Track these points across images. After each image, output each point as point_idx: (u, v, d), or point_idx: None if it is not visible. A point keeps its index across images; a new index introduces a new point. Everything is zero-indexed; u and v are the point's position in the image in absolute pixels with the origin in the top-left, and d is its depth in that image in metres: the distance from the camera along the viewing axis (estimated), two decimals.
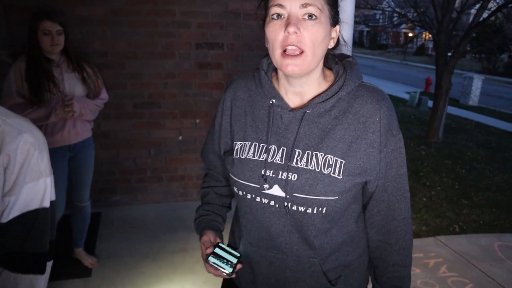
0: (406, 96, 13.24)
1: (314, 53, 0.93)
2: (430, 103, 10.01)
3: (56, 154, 2.40)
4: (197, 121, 3.75)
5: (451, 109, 10.85)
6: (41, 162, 0.94)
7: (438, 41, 7.44)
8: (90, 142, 2.67)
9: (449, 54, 7.57)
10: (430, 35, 8.49)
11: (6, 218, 0.90)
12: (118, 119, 3.57)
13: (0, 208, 0.89)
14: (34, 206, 0.93)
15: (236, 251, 1.12)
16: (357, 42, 40.92)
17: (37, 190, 0.94)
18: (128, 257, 2.97)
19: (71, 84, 2.44)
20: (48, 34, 2.31)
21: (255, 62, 1.13)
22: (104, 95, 2.66)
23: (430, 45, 31.43)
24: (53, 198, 0.99)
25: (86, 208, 2.79)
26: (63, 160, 2.53)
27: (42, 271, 0.98)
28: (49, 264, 1.02)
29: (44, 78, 2.33)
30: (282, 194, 0.99)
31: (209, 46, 3.61)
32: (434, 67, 8.10)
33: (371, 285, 1.21)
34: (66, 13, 3.07)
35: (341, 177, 0.97)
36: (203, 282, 2.67)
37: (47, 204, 0.96)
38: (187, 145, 3.77)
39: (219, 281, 1.32)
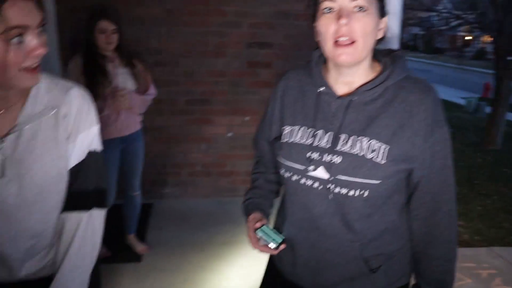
0: (462, 102, 12.67)
1: (365, 43, 0.98)
2: (488, 109, 9.53)
3: (109, 146, 2.55)
4: (246, 118, 3.82)
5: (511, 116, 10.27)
6: (91, 112, 1.08)
7: (498, 43, 7.08)
8: (140, 134, 2.84)
9: (510, 58, 7.19)
10: (489, 38, 8.10)
11: (73, 163, 1.06)
12: (171, 114, 3.72)
13: (64, 155, 1.03)
14: (91, 149, 1.09)
15: (281, 235, 1.16)
16: (411, 45, 39.63)
17: (91, 137, 1.08)
18: (177, 246, 3.09)
19: (123, 79, 2.61)
20: (104, 32, 2.49)
21: (304, 62, 1.20)
22: (152, 90, 2.81)
23: (490, 48, 29.87)
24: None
25: (137, 197, 2.96)
26: (116, 151, 2.70)
27: (106, 206, 1.15)
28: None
29: (99, 73, 2.51)
30: (326, 175, 1.03)
31: (260, 46, 3.68)
32: (492, 71, 7.72)
33: (413, 281, 1.21)
34: (123, 13, 3.25)
35: (384, 162, 1.00)
36: (247, 274, 2.72)
37: (99, 148, 1.12)
38: (236, 142, 3.85)
39: (262, 271, 1.36)
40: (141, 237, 3.16)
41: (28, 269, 1.09)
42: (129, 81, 2.63)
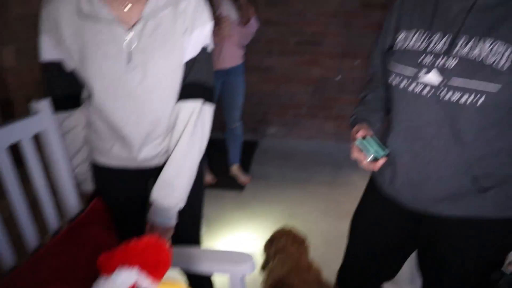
0: None
1: None
2: None
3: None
4: (357, 62, 3.66)
5: None
6: (206, 10, 1.17)
7: None
8: (241, 68, 2.94)
9: None
10: None
11: (188, 57, 1.17)
12: (280, 55, 3.73)
13: (181, 47, 1.14)
14: (204, 45, 1.18)
15: (385, 148, 1.10)
16: None
17: (205, 33, 1.17)
18: (278, 181, 3.20)
19: (227, 9, 2.68)
20: None
21: None
22: (254, 23, 2.83)
23: None
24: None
25: (238, 128, 3.09)
26: (217, 83, 2.82)
27: (214, 102, 1.25)
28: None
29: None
30: (438, 80, 0.98)
31: None
32: None
33: None
34: None
35: (507, 67, 0.90)
36: (346, 213, 2.70)
37: (211, 46, 1.22)
38: (345, 86, 3.74)
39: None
40: (245, 170, 3.33)
41: (145, 153, 1.24)
42: (232, 12, 2.71)
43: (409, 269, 1.75)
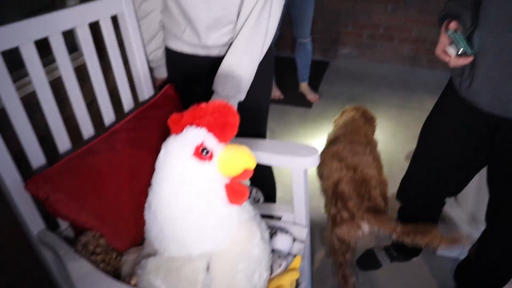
0: None
1: None
2: None
3: None
4: None
5: None
6: None
7: None
8: None
9: None
10: None
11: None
12: None
13: None
14: None
15: (474, 48, 1.06)
16: None
17: None
18: (347, 100, 3.16)
19: None
20: None
21: None
22: None
23: None
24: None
25: (307, 44, 3.01)
26: None
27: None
28: None
29: None
30: None
31: None
32: None
33: None
34: None
35: None
36: (414, 137, 2.64)
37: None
38: (427, 5, 3.44)
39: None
40: (314, 88, 3.32)
41: (213, 40, 1.28)
42: None
43: (473, 189, 1.72)
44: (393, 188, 1.56)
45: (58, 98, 1.11)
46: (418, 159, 1.43)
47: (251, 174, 0.86)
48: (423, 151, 1.40)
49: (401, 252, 1.72)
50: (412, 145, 1.44)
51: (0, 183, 0.99)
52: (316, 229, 1.98)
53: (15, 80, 1.21)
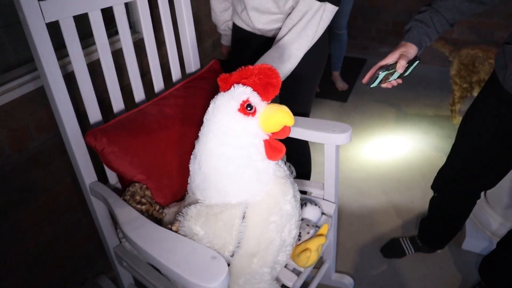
0: None
1: None
2: None
3: None
4: None
5: None
6: None
7: None
8: None
9: None
10: None
11: None
12: None
13: None
14: None
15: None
16: None
17: None
18: (381, 96, 3.18)
19: None
20: None
21: None
22: None
23: None
24: None
25: (343, 35, 3.07)
26: None
27: (338, 5, 1.29)
28: None
29: None
30: None
31: None
32: None
33: None
34: None
35: None
36: (448, 136, 2.65)
37: None
38: None
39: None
40: (347, 81, 3.37)
41: (262, 24, 1.38)
42: None
43: (508, 183, 1.72)
44: (429, 184, 1.59)
45: (117, 68, 1.23)
46: (457, 150, 1.45)
47: (289, 132, 0.94)
48: (462, 142, 1.41)
49: (427, 243, 1.75)
50: (445, 143, 1.45)
51: (63, 135, 1.11)
52: (339, 217, 2.04)
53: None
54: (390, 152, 2.52)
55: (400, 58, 1.09)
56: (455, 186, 1.47)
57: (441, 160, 1.53)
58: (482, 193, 1.87)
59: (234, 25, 1.55)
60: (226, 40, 1.74)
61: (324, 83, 3.30)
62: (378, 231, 1.94)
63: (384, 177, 2.31)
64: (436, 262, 1.76)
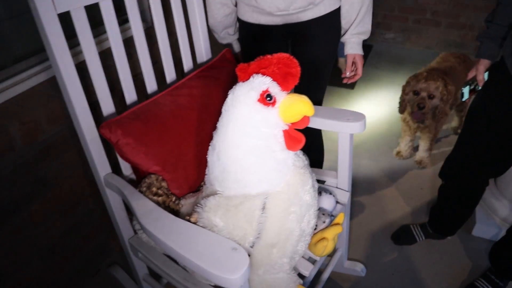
0: None
1: None
2: None
3: None
4: None
5: None
6: None
7: None
8: None
9: None
10: None
11: None
12: None
13: None
14: None
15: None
16: None
17: None
18: (389, 84, 3.16)
19: None
20: None
21: None
22: None
23: None
24: None
25: None
26: None
27: None
28: None
29: None
30: None
31: None
32: None
33: None
34: None
35: None
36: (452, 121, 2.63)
37: None
38: None
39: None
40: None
41: (298, 3, 1.34)
42: None
43: None
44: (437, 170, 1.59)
45: (128, 57, 1.22)
46: (465, 137, 1.44)
47: (308, 122, 0.93)
48: (470, 130, 1.41)
49: (437, 230, 1.75)
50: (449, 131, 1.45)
51: (76, 127, 1.10)
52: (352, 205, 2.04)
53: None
54: (399, 139, 2.51)
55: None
56: (464, 173, 1.47)
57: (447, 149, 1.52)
58: (492, 180, 1.87)
59: (244, 22, 1.47)
60: (237, 47, 1.63)
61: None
62: (389, 218, 1.94)
63: (393, 164, 2.30)
64: (446, 249, 1.77)
